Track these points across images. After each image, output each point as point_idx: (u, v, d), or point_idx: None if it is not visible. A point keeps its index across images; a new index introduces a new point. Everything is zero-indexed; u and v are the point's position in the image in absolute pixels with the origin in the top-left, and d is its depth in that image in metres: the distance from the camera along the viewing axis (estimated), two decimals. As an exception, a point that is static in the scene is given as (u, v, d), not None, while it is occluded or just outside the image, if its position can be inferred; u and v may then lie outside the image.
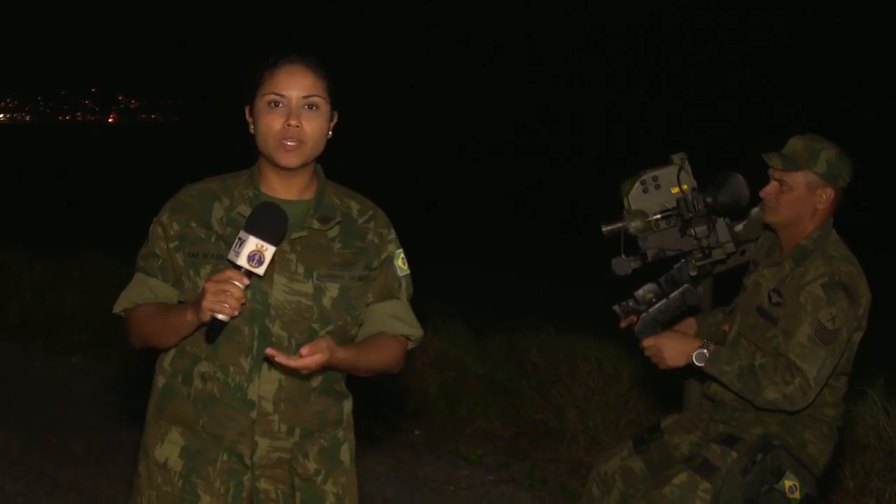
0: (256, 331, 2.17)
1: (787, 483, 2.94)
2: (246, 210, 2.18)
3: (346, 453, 2.37)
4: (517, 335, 6.44)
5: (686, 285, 3.24)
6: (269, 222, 2.06)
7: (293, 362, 2.04)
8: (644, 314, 3.24)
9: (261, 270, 2.06)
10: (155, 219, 2.28)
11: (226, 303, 2.01)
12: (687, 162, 3.25)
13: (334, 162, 2.40)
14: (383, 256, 2.35)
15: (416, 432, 5.94)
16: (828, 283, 2.96)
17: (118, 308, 2.27)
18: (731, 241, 3.26)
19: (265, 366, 2.18)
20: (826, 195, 3.08)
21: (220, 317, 2.04)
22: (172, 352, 2.25)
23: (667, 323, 3.27)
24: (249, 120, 2.23)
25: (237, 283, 2.02)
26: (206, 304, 2.01)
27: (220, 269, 2.09)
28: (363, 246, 2.32)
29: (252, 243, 2.02)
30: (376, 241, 2.35)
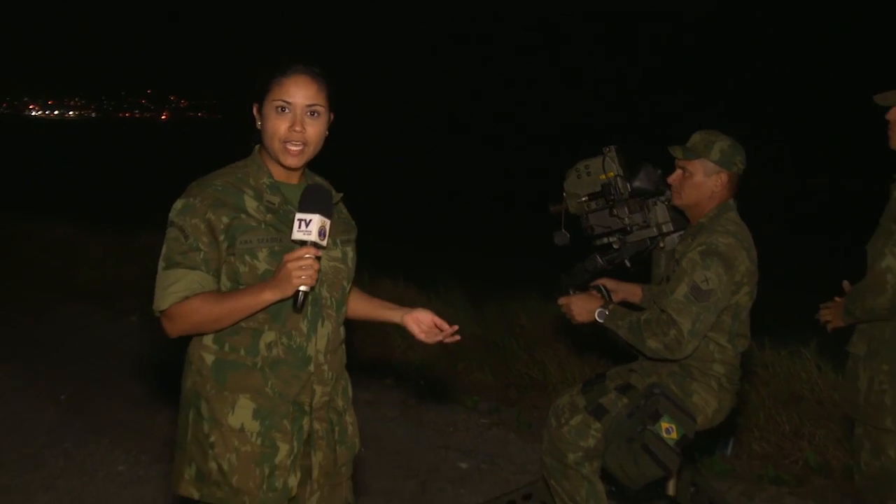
0: (310, 296, 2.20)
1: (664, 425, 2.96)
2: (272, 197, 2.21)
3: (350, 390, 2.46)
4: (508, 303, 6.47)
5: (594, 255, 3.40)
6: (322, 202, 2.12)
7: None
8: (560, 278, 3.39)
9: (325, 242, 2.12)
10: (183, 216, 2.17)
11: (308, 275, 2.06)
12: (614, 153, 3.32)
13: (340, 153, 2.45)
14: (355, 227, 2.49)
15: (422, 383, 5.98)
16: (705, 250, 2.99)
17: (169, 302, 2.12)
18: (669, 221, 3.30)
19: (318, 324, 2.25)
20: (721, 179, 3.13)
21: (304, 288, 2.08)
22: (213, 334, 2.21)
23: (578, 286, 3.38)
24: (257, 116, 2.24)
25: (312, 256, 2.07)
26: (294, 280, 2.05)
27: (277, 252, 2.14)
28: (343, 215, 2.44)
29: (318, 221, 2.08)
30: (346, 212, 2.48)
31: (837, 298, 3.15)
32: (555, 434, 3.24)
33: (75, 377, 5.89)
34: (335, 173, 2.52)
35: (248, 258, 2.15)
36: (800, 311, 3.53)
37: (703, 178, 3.12)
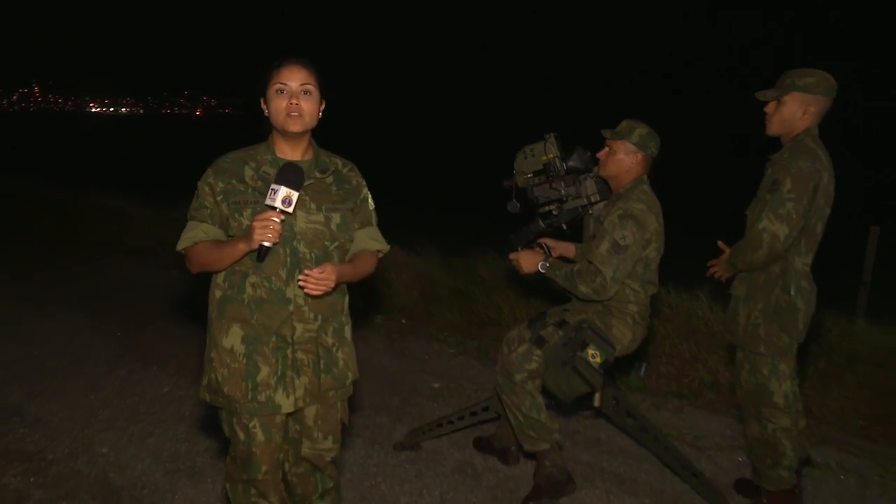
0: (288, 250, 2.23)
1: (590, 352, 3.02)
2: (269, 169, 2.25)
3: (348, 332, 2.45)
4: (471, 257, 6.47)
5: (536, 219, 3.42)
6: (292, 176, 2.15)
7: (313, 290, 2.18)
8: (510, 238, 3.43)
9: (290, 209, 2.14)
10: (200, 182, 2.26)
11: (269, 233, 2.10)
12: (553, 139, 3.32)
13: (337, 133, 2.43)
14: (361, 196, 2.45)
15: (403, 321, 5.99)
16: (622, 214, 3.03)
17: (180, 246, 2.25)
18: (596, 193, 3.30)
19: (297, 273, 2.23)
20: (637, 158, 3.13)
21: (266, 244, 2.12)
22: (223, 273, 2.28)
23: (524, 244, 3.42)
24: (264, 107, 2.25)
25: (275, 219, 2.11)
26: (256, 236, 2.10)
27: (258, 212, 2.16)
28: (350, 188, 2.41)
29: (283, 191, 2.11)
30: (356, 184, 2.43)
31: (722, 253, 3.18)
32: (505, 359, 3.27)
33: (128, 318, 5.85)
34: (348, 149, 2.52)
35: (236, 215, 2.21)
36: (696, 264, 3.55)
37: (624, 156, 3.14)
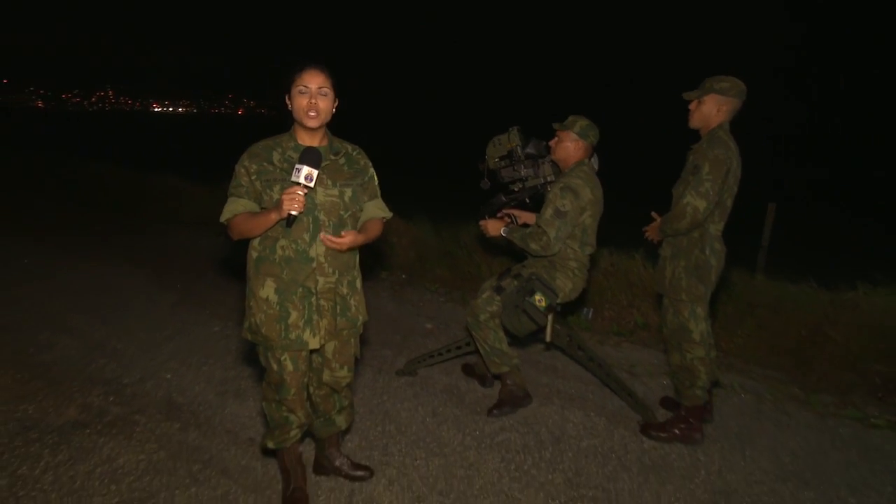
0: (310, 219, 2.21)
1: (536, 297, 3.02)
2: (293, 154, 2.22)
3: (359, 284, 2.44)
4: (458, 225, 6.44)
5: (500, 194, 3.42)
6: (313, 158, 2.12)
7: (336, 243, 2.19)
8: (480, 209, 3.43)
9: (311, 184, 2.12)
10: (237, 165, 2.23)
11: (295, 204, 2.08)
12: (516, 131, 3.30)
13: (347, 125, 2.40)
14: (368, 175, 2.43)
15: (403, 276, 5.97)
16: (563, 186, 3.04)
17: (223, 218, 2.23)
18: (551, 174, 3.29)
19: (318, 236, 2.22)
20: (578, 146, 3.13)
21: (293, 213, 2.10)
22: (258, 238, 2.25)
23: (491, 213, 3.41)
24: (288, 102, 2.22)
25: (300, 192, 2.09)
26: (285, 206, 2.08)
27: (286, 188, 2.14)
28: (359, 168, 2.38)
29: (306, 170, 2.10)
30: (363, 164, 2.40)
31: (654, 221, 3.17)
32: (473, 303, 3.29)
33: (185, 274, 5.80)
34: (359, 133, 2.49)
35: (268, 191, 2.19)
36: (632, 232, 3.55)
37: (569, 144, 3.12)
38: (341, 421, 2.59)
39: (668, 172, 3.33)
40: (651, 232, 3.16)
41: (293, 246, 2.21)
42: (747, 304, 4.50)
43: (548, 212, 3.02)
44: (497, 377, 3.46)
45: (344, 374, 2.45)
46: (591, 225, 3.14)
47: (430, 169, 18.47)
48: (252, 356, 3.93)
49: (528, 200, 3.39)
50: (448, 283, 5.74)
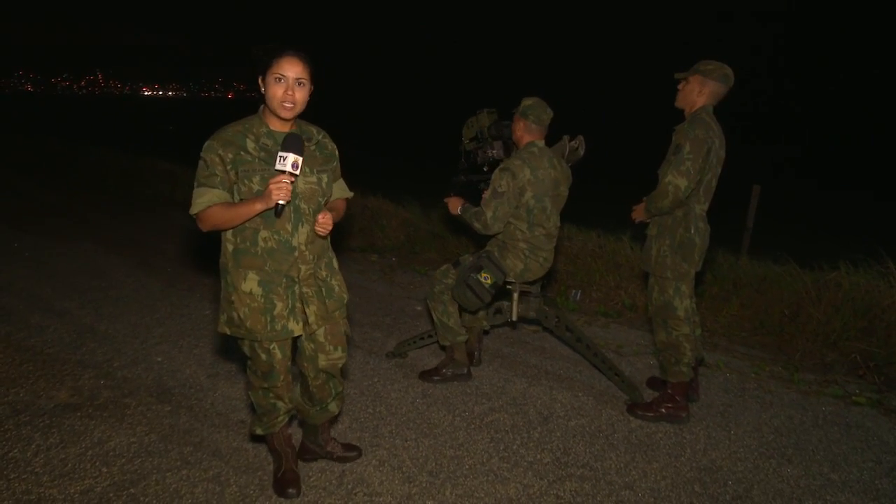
0: (292, 208, 2.14)
1: (483, 274, 3.03)
2: (267, 141, 2.11)
3: (335, 263, 2.40)
4: (445, 208, 6.41)
5: (460, 175, 3.45)
6: (298, 145, 2.04)
7: (325, 227, 2.16)
8: (449, 186, 3.44)
9: (297, 172, 2.04)
10: (207, 153, 2.07)
11: (283, 193, 2.00)
12: (485, 113, 3.31)
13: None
14: (336, 158, 2.37)
15: (393, 259, 5.93)
16: (501, 168, 3.05)
17: (195, 210, 2.07)
18: (501, 152, 3.34)
19: (299, 226, 2.16)
20: (522, 126, 3.13)
21: (282, 202, 2.02)
22: (232, 230, 2.15)
23: (454, 192, 3.38)
24: (261, 85, 2.09)
25: (287, 181, 2.01)
26: (273, 196, 1.99)
27: (266, 178, 2.06)
28: (328, 153, 2.34)
29: (292, 157, 2.02)
30: (331, 148, 2.34)
31: (640, 202, 3.15)
32: (432, 276, 3.35)
33: (176, 257, 5.74)
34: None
35: (246, 181, 2.08)
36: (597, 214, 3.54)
37: (517, 125, 3.14)
38: (334, 407, 2.57)
39: (656, 155, 3.30)
40: (637, 213, 3.14)
41: (276, 237, 2.13)
42: (732, 284, 4.51)
43: (488, 192, 3.08)
44: (443, 348, 3.58)
45: (339, 354, 2.41)
46: (537, 206, 3.07)
47: (416, 151, 18.38)
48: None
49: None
50: (438, 265, 5.70)
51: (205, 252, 5.91)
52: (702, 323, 3.85)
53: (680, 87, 2.97)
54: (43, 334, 3.87)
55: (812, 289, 4.18)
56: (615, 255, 4.98)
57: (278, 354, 2.28)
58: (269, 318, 2.19)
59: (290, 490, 2.41)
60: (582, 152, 3.26)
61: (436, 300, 3.29)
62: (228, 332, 2.25)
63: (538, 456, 2.76)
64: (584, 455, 2.77)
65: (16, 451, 2.65)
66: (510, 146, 3.30)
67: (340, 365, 2.45)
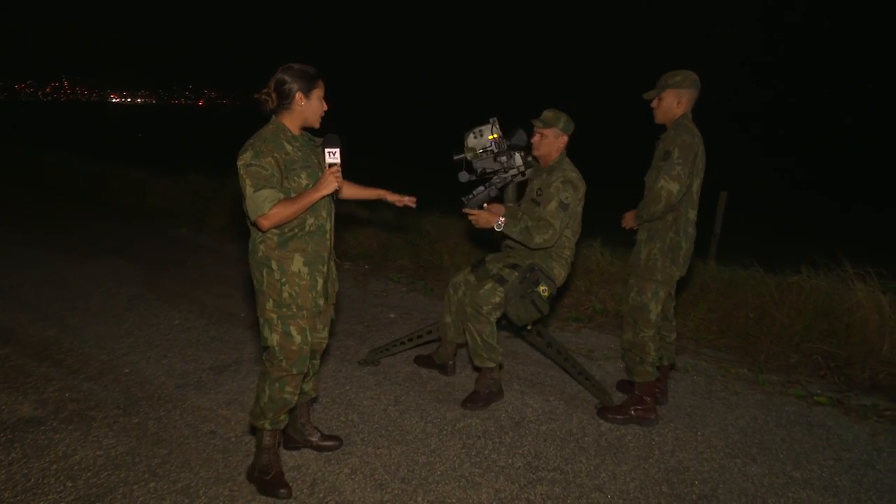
0: (328, 196, 2.41)
1: (542, 287, 3.05)
2: (295, 143, 2.36)
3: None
4: (420, 216, 6.41)
5: (490, 186, 3.29)
6: (338, 142, 2.33)
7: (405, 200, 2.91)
8: (469, 199, 3.27)
9: (341, 162, 2.34)
10: (263, 159, 2.25)
11: (339, 181, 2.31)
12: (496, 122, 3.25)
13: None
14: None
15: (366, 266, 5.92)
16: (563, 180, 3.08)
17: (267, 209, 2.23)
18: (523, 164, 3.27)
19: (332, 212, 2.48)
20: (562, 140, 3.18)
21: (336, 188, 2.32)
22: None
23: (478, 205, 3.26)
24: (300, 98, 2.33)
25: (338, 171, 2.32)
26: (336, 185, 2.29)
27: (312, 173, 2.36)
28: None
29: (338, 152, 2.32)
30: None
31: (631, 210, 3.20)
32: (474, 295, 3.20)
33: (146, 266, 5.65)
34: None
35: (295, 178, 2.33)
36: (593, 222, 3.57)
37: (553, 139, 3.15)
38: (310, 389, 2.73)
39: (628, 161, 3.36)
40: (628, 220, 3.20)
41: (317, 222, 2.40)
42: (700, 288, 4.60)
43: (552, 205, 3.05)
44: (477, 369, 3.45)
45: (325, 335, 2.63)
46: (580, 214, 3.21)
47: (391, 156, 18.35)
48: (214, 348, 3.85)
49: (498, 191, 3.37)
50: (411, 272, 5.71)
51: (175, 262, 5.83)
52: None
53: (654, 104, 3.05)
54: (6, 346, 3.78)
55: (776, 292, 4.29)
56: (586, 260, 5.04)
57: (308, 336, 2.45)
58: (314, 294, 2.43)
59: (282, 490, 2.49)
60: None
61: (483, 322, 3.16)
62: (275, 316, 2.39)
63: (510, 460, 2.78)
64: (555, 458, 2.80)
65: (-24, 466, 2.58)
66: (526, 156, 3.29)
67: (324, 345, 2.66)
